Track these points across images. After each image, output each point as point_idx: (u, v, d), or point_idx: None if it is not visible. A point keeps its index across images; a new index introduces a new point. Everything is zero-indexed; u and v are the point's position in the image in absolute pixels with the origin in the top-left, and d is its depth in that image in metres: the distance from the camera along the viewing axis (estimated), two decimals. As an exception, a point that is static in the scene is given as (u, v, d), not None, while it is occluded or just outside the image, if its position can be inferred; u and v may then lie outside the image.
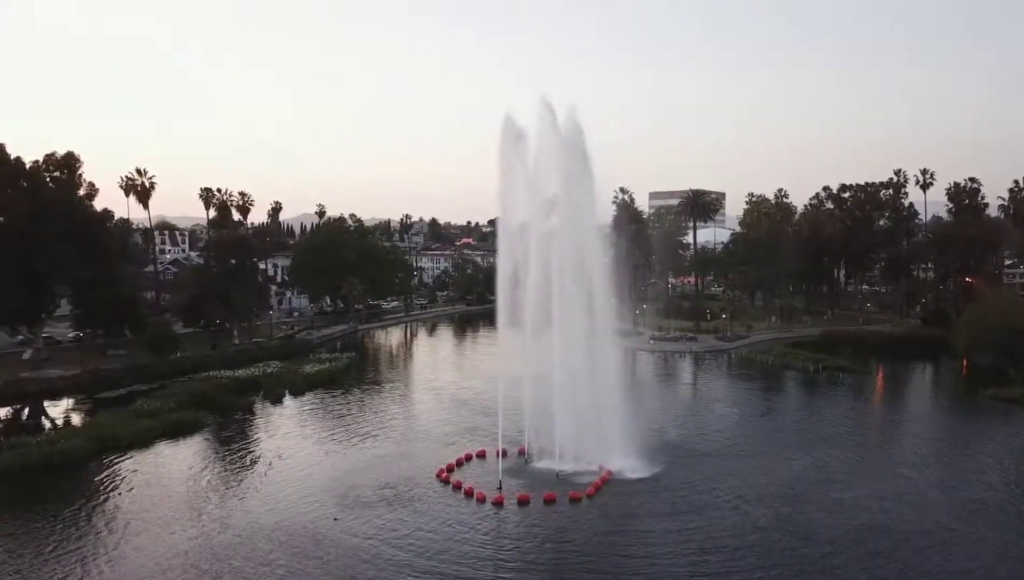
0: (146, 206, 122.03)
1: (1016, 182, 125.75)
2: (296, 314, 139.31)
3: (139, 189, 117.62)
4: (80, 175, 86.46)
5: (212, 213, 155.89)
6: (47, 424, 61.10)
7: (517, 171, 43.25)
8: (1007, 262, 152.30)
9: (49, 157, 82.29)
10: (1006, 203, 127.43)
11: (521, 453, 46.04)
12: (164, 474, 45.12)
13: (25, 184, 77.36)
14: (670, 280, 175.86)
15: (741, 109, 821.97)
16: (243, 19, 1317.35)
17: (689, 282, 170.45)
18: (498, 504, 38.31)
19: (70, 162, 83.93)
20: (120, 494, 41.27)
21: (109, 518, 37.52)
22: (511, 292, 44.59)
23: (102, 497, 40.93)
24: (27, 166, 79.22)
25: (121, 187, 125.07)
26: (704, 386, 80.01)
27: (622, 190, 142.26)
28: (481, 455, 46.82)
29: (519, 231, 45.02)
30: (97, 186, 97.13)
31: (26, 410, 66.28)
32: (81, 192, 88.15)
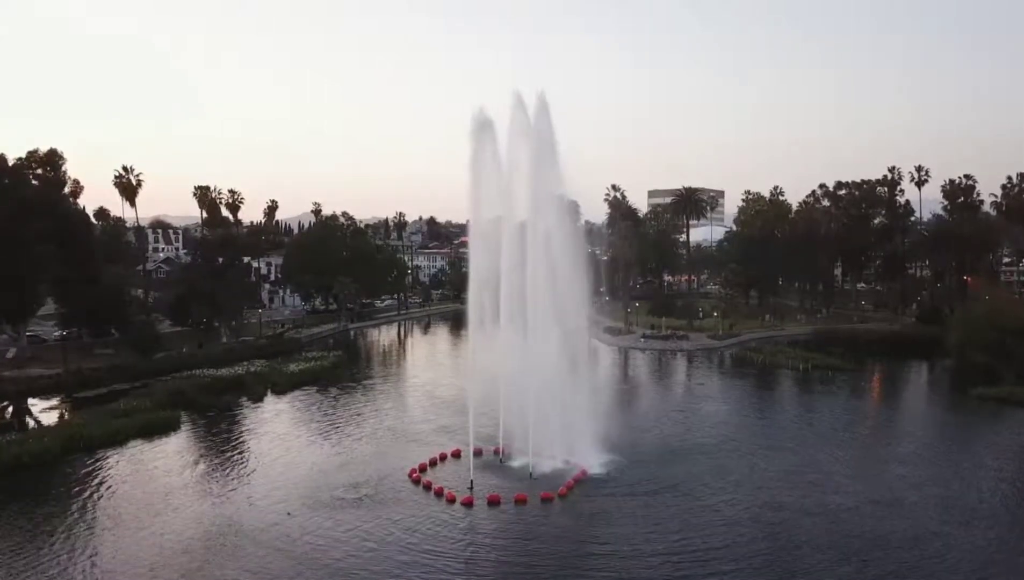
0: (133, 204, 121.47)
1: (1009, 178, 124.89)
2: (288, 312, 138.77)
3: (126, 186, 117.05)
4: (64, 173, 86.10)
5: (205, 212, 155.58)
6: (21, 424, 60.34)
7: (487, 167, 42.44)
8: (1005, 260, 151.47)
9: (32, 154, 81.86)
10: (999, 199, 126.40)
11: (496, 452, 45.32)
12: (134, 473, 44.47)
13: (7, 181, 76.73)
14: (666, 278, 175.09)
15: (740, 107, 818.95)
16: (240, 19, 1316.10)
17: (685, 280, 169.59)
18: (467, 504, 37.63)
19: (54, 159, 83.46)
20: (88, 494, 40.59)
21: (74, 518, 36.89)
22: (485, 289, 43.86)
23: (70, 497, 40.27)
24: (10, 163, 78.77)
25: (115, 185, 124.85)
26: (691, 385, 79.28)
27: (614, 187, 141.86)
28: (456, 454, 46.07)
29: (491, 229, 44.15)
30: (83, 184, 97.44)
31: (3, 409, 65.63)
32: (66, 190, 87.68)
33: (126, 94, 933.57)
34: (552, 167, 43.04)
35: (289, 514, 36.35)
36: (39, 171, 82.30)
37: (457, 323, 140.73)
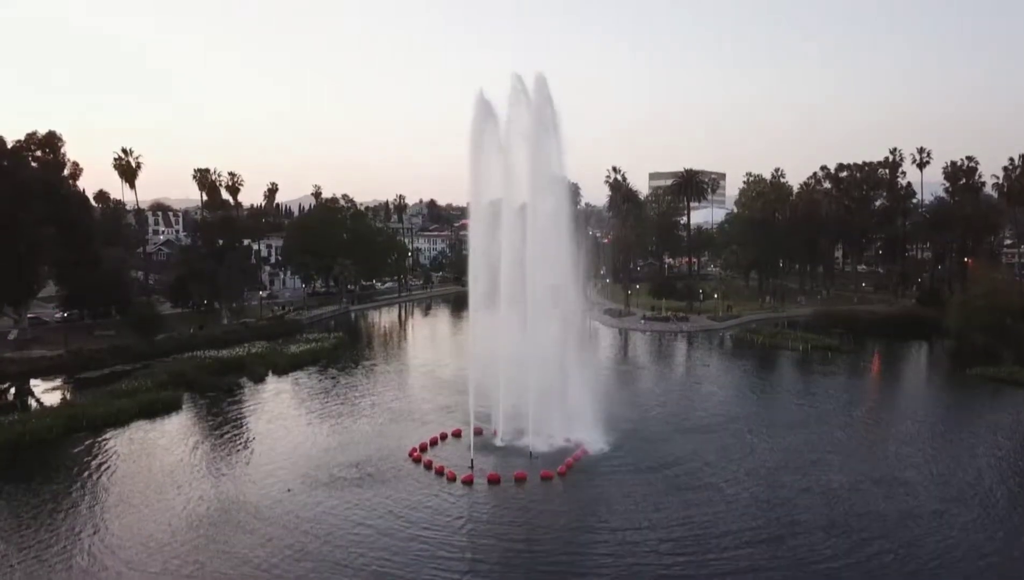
0: (132, 185, 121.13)
1: (1011, 160, 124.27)
2: (288, 294, 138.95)
3: (125, 169, 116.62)
4: (63, 155, 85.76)
5: (205, 195, 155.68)
6: (24, 404, 60.48)
7: (489, 150, 42.31)
8: (1007, 242, 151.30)
9: (31, 136, 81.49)
10: (1000, 181, 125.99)
11: (496, 433, 45.45)
12: (138, 452, 44.70)
13: (5, 164, 76.46)
14: (667, 260, 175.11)
15: (742, 91, 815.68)
16: (242, 3, 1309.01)
17: (685, 262, 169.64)
18: (468, 483, 37.87)
19: (52, 142, 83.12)
20: (93, 472, 40.92)
21: (81, 495, 37.29)
22: (485, 272, 43.89)
23: (75, 475, 40.57)
24: (9, 146, 78.45)
25: (115, 167, 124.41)
26: (691, 365, 79.39)
27: (614, 169, 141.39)
28: (456, 434, 46.30)
29: (491, 211, 44.08)
30: (82, 167, 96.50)
31: (5, 390, 65.87)
32: (65, 172, 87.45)
33: (132, 79, 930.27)
34: (552, 147, 42.89)
35: (289, 490, 36.88)
36: (38, 153, 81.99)
37: (458, 305, 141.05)
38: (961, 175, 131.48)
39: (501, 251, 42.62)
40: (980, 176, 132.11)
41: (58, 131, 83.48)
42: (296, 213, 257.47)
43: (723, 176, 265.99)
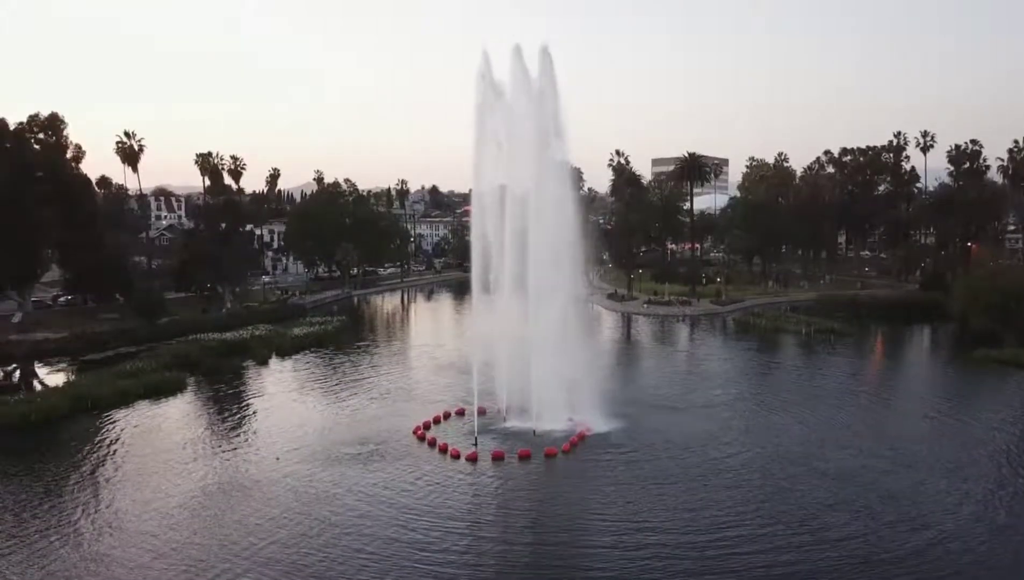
0: (135, 169, 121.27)
1: (1016, 142, 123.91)
2: (291, 279, 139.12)
3: (128, 152, 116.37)
4: (66, 137, 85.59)
5: (208, 179, 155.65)
6: (28, 386, 60.80)
7: (491, 133, 42.27)
8: (1010, 227, 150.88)
9: (33, 119, 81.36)
10: (1005, 164, 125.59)
11: (501, 412, 45.57)
12: (148, 430, 45.09)
13: (8, 145, 76.35)
14: (670, 245, 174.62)
15: (746, 74, 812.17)
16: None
17: (688, 248, 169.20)
18: (472, 460, 38.05)
19: (55, 124, 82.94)
20: (103, 449, 41.28)
21: (82, 474, 37.47)
22: (487, 255, 43.95)
23: (77, 454, 40.77)
24: (11, 128, 78.32)
25: (116, 152, 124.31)
26: (694, 348, 79.40)
27: (618, 153, 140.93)
28: (460, 413, 46.50)
29: (494, 195, 44.07)
30: (84, 149, 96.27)
31: (10, 372, 66.18)
32: (68, 155, 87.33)
33: (132, 66, 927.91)
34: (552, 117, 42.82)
35: (277, 459, 38.02)
36: (40, 135, 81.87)
37: (460, 291, 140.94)
38: (965, 159, 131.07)
39: (503, 235, 42.66)
40: (984, 159, 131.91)
41: (60, 113, 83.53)
42: (298, 200, 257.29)
43: (726, 161, 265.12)
